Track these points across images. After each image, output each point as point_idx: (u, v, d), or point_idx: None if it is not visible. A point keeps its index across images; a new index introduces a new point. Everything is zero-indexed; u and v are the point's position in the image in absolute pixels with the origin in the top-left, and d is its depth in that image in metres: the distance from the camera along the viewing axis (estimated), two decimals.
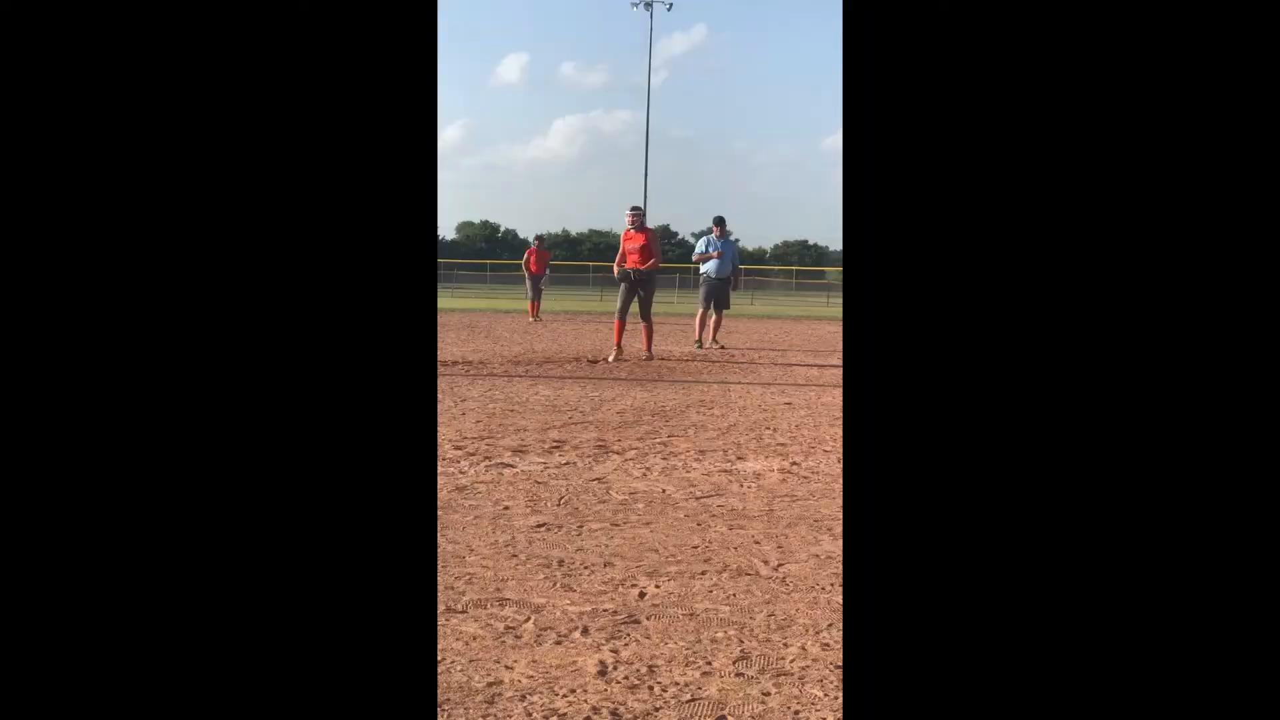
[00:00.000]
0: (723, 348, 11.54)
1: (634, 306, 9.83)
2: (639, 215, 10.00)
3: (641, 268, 9.78)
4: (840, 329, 16.00)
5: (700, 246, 11.89)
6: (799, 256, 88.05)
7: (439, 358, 9.17)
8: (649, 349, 9.87)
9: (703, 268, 11.73)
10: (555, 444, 4.87)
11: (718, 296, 11.60)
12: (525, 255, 18.58)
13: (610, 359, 9.43)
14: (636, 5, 49.99)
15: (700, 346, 11.40)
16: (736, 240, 12.24)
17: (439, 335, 12.32)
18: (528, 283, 18.28)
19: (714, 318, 11.71)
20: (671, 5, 50.92)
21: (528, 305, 18.29)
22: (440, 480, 3.95)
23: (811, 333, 15.29)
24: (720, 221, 11.68)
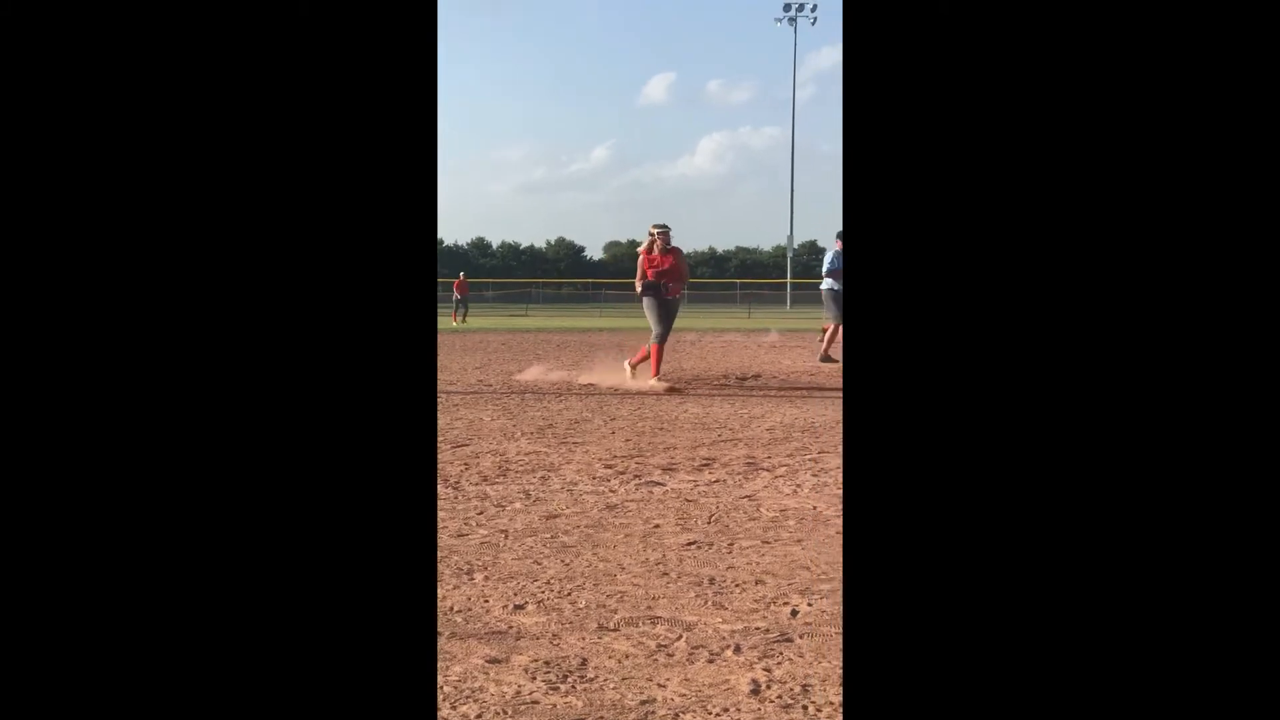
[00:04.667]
0: (829, 360, 11.34)
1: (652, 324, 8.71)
2: (668, 234, 8.69)
3: (677, 295, 8.69)
4: None
5: (829, 262, 11.72)
6: None
7: (584, 381, 9.28)
8: (656, 372, 8.62)
9: (824, 283, 11.60)
10: (705, 461, 4.87)
11: (839, 308, 11.47)
12: None
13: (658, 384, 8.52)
14: (780, 20, 49.90)
15: (830, 360, 11.25)
16: None
17: (591, 355, 12.50)
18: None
19: (832, 328, 11.56)
20: (816, 20, 50.70)
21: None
22: (591, 499, 4.00)
23: None
24: (842, 236, 11.58)
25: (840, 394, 8.07)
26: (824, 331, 11.60)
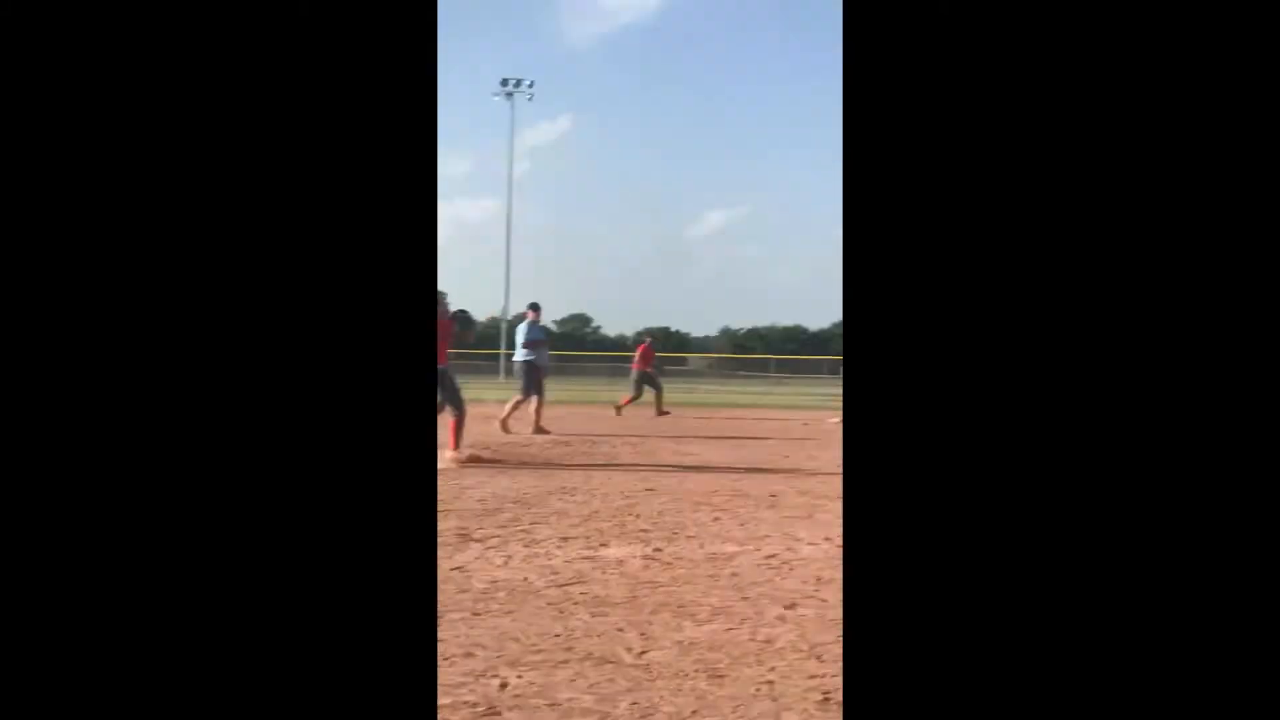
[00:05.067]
0: (541, 432, 11.29)
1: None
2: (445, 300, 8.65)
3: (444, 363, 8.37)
4: (703, 416, 15.97)
5: (523, 333, 11.64)
6: (661, 344, 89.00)
7: None
8: (455, 445, 8.32)
9: (518, 354, 11.55)
10: None
11: (535, 380, 11.44)
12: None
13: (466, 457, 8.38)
14: (498, 95, 50.58)
15: (539, 433, 11.19)
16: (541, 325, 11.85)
17: None
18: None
19: (533, 402, 11.48)
20: (533, 96, 51.75)
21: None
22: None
23: (678, 419, 15.40)
24: (534, 306, 11.66)
25: (550, 467, 8.15)
26: (528, 403, 11.44)
